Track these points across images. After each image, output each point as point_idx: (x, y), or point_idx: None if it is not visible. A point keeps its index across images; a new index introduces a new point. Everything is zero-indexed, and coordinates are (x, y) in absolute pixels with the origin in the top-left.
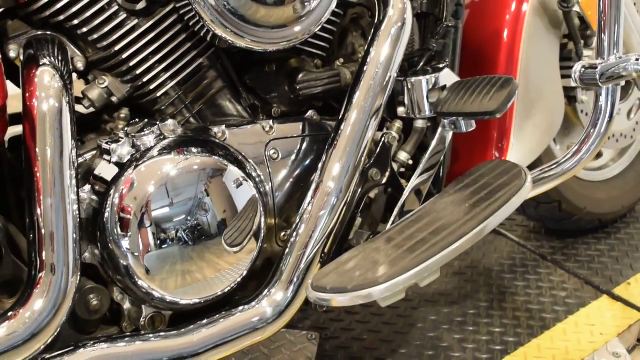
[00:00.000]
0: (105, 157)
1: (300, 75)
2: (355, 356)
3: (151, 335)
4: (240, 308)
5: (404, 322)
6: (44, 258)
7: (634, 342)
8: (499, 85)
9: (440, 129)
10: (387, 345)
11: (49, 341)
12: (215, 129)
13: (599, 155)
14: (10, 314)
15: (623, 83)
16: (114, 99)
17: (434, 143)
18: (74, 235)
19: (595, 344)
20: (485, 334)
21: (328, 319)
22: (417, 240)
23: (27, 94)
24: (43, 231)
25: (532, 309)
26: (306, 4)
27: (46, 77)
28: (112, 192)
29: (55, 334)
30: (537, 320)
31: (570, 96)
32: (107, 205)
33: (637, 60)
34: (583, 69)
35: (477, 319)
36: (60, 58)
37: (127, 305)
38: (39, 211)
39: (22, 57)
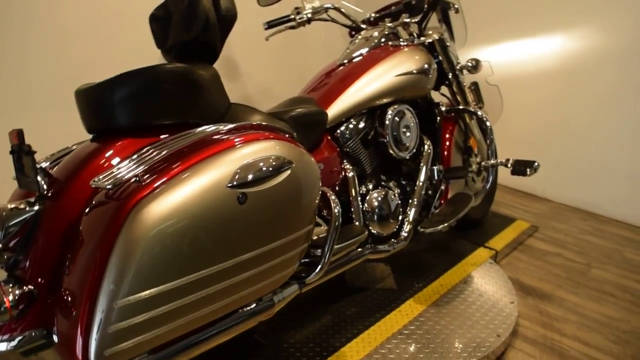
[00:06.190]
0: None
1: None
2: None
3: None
4: (398, 234)
5: (405, 268)
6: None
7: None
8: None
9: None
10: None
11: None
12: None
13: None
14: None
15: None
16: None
17: (443, 187)
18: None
19: (482, 259)
20: (434, 267)
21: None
22: (452, 210)
23: None
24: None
25: (459, 251)
26: None
27: None
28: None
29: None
30: (458, 255)
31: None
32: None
33: (504, 159)
34: (485, 163)
35: (432, 259)
36: None
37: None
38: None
39: None
